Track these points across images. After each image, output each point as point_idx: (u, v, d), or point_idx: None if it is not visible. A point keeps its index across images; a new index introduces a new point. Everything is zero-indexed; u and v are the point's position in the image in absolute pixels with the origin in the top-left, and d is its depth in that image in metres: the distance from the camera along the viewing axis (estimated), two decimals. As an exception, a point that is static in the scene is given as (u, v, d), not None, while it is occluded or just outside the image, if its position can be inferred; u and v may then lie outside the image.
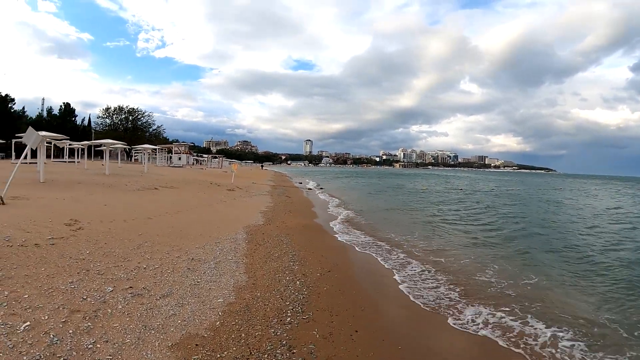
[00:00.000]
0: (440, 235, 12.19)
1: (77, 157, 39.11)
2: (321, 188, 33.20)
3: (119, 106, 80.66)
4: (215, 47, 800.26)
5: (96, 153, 53.30)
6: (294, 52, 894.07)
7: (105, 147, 27.13)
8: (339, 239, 10.67)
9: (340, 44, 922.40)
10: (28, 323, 4.13)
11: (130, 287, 5.40)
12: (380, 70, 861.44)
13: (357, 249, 9.72)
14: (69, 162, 42.39)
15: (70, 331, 4.07)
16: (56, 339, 3.88)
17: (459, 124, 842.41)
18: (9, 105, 63.14)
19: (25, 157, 14.62)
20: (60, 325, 4.15)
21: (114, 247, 7.34)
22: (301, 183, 42.04)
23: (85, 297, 4.87)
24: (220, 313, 4.89)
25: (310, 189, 32.76)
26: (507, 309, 5.96)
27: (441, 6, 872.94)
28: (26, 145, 13.21)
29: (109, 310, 4.63)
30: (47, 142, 41.81)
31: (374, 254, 9.20)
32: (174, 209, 13.07)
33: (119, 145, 33.90)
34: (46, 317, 4.28)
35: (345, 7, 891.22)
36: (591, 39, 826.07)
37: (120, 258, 6.73)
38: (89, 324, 4.26)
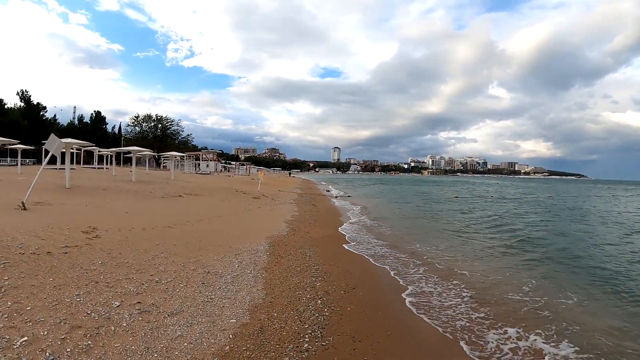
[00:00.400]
0: (469, 246, 11.51)
1: (106, 164, 40.18)
2: (348, 196, 32.74)
3: (148, 114, 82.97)
4: (243, 55, 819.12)
5: (125, 160, 54.80)
6: (321, 60, 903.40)
7: (132, 154, 27.60)
8: (366, 252, 10.19)
9: (366, 50, 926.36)
10: (26, 338, 3.94)
11: (139, 302, 5.16)
12: (408, 77, 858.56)
13: (384, 263, 9.23)
14: (97, 168, 43.70)
15: (68, 349, 3.85)
16: (52, 358, 3.66)
17: (487, 130, 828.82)
18: (41, 113, 66.02)
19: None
20: (59, 343, 3.95)
21: (128, 258, 7.18)
22: (328, 191, 41.73)
23: (89, 312, 4.66)
24: (231, 336, 4.55)
25: (337, 196, 32.34)
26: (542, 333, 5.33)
27: (466, 10, 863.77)
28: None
29: (112, 327, 4.38)
30: (76, 149, 43.39)
31: (402, 269, 8.69)
32: (196, 217, 12.96)
33: (147, 152, 34.64)
34: (45, 333, 4.09)
35: (371, 14, 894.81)
36: (620, 39, 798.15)
37: (133, 269, 6.54)
38: (89, 342, 4.03)
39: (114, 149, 30.01)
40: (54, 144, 13.31)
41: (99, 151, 41.88)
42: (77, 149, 36.95)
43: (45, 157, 14.31)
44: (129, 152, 48.20)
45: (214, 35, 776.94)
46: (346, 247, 10.51)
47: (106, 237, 8.53)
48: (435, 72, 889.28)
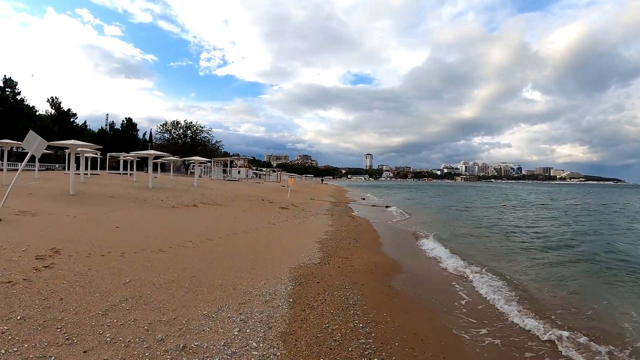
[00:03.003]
0: (556, 273, 8.21)
1: (129, 170, 38.58)
2: (387, 206, 29.34)
3: (176, 121, 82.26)
4: (275, 64, 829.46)
5: (154, 166, 53.48)
6: (353, 67, 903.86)
7: (149, 159, 25.46)
8: (434, 296, 7.02)
9: (398, 56, 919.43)
10: None
11: None
12: (441, 82, 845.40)
13: (472, 316, 6.10)
14: (122, 174, 42.32)
15: None
16: None
17: (522, 135, 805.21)
18: (71, 119, 66.27)
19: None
20: None
21: (67, 309, 4.70)
22: (364, 199, 38.36)
23: None
24: None
25: (375, 205, 29.00)
26: None
27: (498, 12, 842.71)
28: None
29: None
30: (99, 154, 42.16)
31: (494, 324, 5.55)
32: (204, 234, 10.23)
33: (171, 157, 32.68)
34: None
35: (402, 20, 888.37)
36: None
37: (61, 335, 3.85)
38: None
39: (134, 153, 28.06)
40: (33, 143, 10.90)
41: (123, 157, 40.40)
42: (93, 153, 35.33)
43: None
44: (157, 158, 46.98)
45: (246, 44, 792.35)
46: (404, 283, 7.36)
47: (61, 268, 6.12)
48: (469, 76, 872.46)
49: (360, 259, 8.85)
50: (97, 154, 39.20)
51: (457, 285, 7.61)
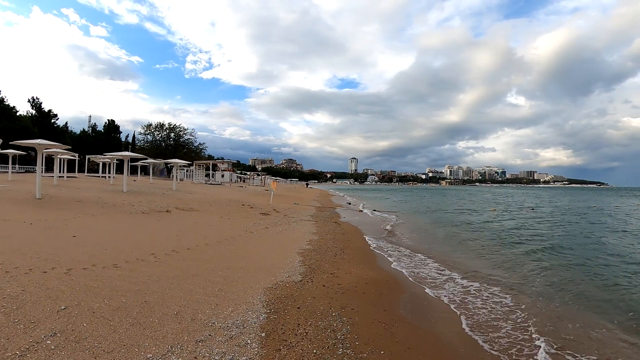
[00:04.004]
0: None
1: (108, 172, 36.82)
2: (374, 210, 28.24)
3: (160, 123, 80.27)
4: (261, 67, 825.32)
5: (136, 169, 51.59)
6: (339, 71, 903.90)
7: (124, 161, 23.94)
8: (441, 325, 5.87)
9: (385, 61, 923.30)
10: None
11: None
12: (427, 86, 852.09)
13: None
14: (101, 177, 40.49)
15: None
16: None
17: (506, 139, 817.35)
18: (52, 120, 63.89)
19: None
20: None
21: None
22: (350, 203, 37.09)
23: None
24: None
25: (362, 210, 27.84)
26: None
27: (484, 17, 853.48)
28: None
29: None
30: (77, 156, 40.25)
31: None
32: (171, 245, 8.98)
33: (150, 160, 31.06)
34: None
35: (389, 24, 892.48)
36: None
37: None
38: None
39: (110, 155, 26.45)
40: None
41: (100, 159, 38.57)
42: (70, 155, 33.52)
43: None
44: (135, 160, 45.18)
45: (233, 47, 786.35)
46: (407, 309, 6.11)
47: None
48: (455, 80, 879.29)
49: (349, 275, 7.66)
50: (74, 156, 37.38)
51: (467, 306, 6.52)
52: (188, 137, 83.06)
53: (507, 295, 7.08)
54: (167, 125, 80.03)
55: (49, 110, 64.24)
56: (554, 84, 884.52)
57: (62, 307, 4.85)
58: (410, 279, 8.09)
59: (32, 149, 28.81)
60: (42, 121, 61.63)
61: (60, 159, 34.33)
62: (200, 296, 5.59)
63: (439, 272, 8.81)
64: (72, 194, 17.64)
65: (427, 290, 7.30)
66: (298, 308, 5.43)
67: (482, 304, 6.59)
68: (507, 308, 6.42)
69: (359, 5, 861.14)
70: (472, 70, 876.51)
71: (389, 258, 10.15)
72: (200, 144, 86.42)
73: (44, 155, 33.44)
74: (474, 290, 7.39)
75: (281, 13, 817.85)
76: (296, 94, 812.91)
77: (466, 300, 6.75)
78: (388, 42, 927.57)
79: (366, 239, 13.26)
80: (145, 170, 55.48)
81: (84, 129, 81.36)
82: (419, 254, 10.87)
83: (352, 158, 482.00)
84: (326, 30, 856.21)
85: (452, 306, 6.40)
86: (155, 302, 5.24)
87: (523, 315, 6.12)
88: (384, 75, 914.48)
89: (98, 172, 48.75)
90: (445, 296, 6.93)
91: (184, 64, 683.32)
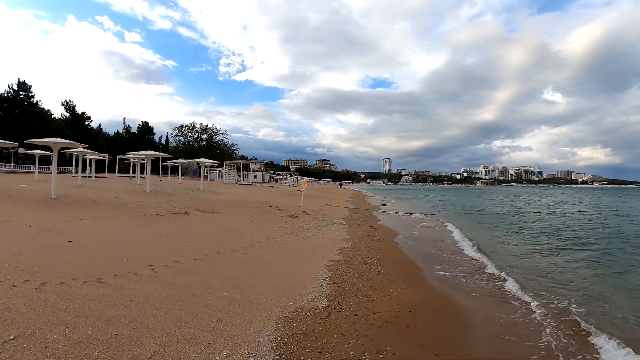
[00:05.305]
0: None
1: (139, 172, 36.70)
2: (410, 213, 26.32)
3: (192, 124, 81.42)
4: (293, 68, 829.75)
5: (173, 169, 51.67)
6: (372, 70, 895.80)
7: (146, 160, 23.29)
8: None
9: (417, 59, 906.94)
10: None
11: None
12: (460, 84, 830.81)
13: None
14: (131, 177, 40.52)
15: None
16: None
17: (542, 137, 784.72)
18: (86, 122, 65.57)
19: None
20: None
21: None
22: (385, 204, 35.19)
23: None
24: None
25: (398, 212, 25.99)
26: None
27: (517, 12, 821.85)
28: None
29: None
30: (107, 157, 40.48)
31: None
32: (176, 254, 7.77)
33: (180, 161, 30.57)
34: None
35: (420, 21, 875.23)
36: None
37: None
38: None
39: (133, 154, 26.09)
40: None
41: (130, 159, 38.59)
42: (100, 156, 33.46)
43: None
44: (166, 160, 45.12)
45: (265, 49, 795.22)
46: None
47: None
48: (488, 78, 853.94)
49: (388, 298, 6.12)
50: (103, 157, 37.53)
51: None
52: (220, 137, 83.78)
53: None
54: (198, 127, 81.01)
55: (83, 113, 66.13)
56: (589, 79, 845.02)
57: (11, 337, 3.78)
58: (469, 305, 6.40)
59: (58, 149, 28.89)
60: (75, 123, 63.33)
61: (89, 160, 34.50)
62: (190, 329, 4.27)
63: (512, 297, 7.07)
64: (90, 195, 17.00)
65: (500, 319, 5.71)
66: (319, 353, 3.97)
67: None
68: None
69: (389, 3, 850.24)
70: (506, 67, 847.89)
71: (435, 273, 8.52)
72: (232, 144, 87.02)
73: (74, 156, 33.75)
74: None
75: (310, 14, 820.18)
76: (329, 95, 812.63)
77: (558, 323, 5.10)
78: (420, 40, 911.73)
79: (405, 247, 11.66)
80: (177, 170, 55.69)
81: (117, 131, 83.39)
82: (478, 267, 9.19)
83: (386, 158, 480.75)
84: (357, 30, 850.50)
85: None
86: (128, 336, 3.97)
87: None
88: (417, 74, 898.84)
89: (129, 173, 49.18)
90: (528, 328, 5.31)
91: (217, 66, 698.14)
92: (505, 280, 7.97)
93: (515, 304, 6.48)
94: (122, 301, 4.91)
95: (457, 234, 14.95)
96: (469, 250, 11.43)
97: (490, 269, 9.01)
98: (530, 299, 6.65)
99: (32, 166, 41.52)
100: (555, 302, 6.60)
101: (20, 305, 4.52)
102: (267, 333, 4.35)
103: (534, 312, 6.06)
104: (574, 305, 6.41)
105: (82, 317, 4.33)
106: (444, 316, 5.66)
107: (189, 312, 4.77)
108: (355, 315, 5.20)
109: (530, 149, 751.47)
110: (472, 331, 5.22)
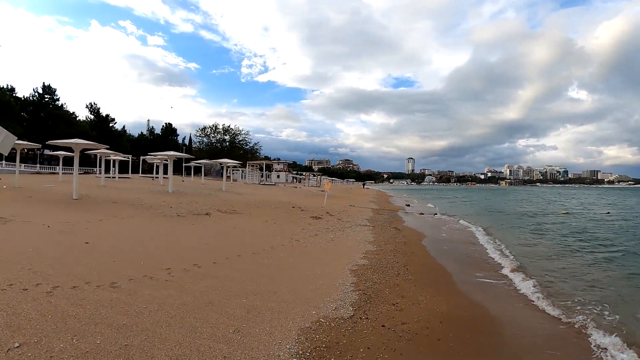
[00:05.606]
0: None
1: (161, 173, 37.15)
2: (435, 214, 25.59)
3: (215, 125, 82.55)
4: (315, 69, 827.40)
5: (197, 170, 52.24)
6: (394, 70, 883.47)
7: (168, 161, 23.38)
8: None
9: (439, 58, 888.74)
10: None
11: None
12: (483, 82, 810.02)
13: None
14: (154, 177, 41.07)
15: None
16: None
17: (568, 136, 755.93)
18: (110, 124, 67.25)
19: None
20: None
21: None
22: (409, 205, 34.40)
23: None
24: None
25: (423, 213, 25.27)
26: None
27: (539, 8, 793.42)
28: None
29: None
30: (131, 158, 41.14)
31: None
32: (195, 257, 7.54)
33: (204, 161, 30.68)
34: None
35: (441, 20, 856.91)
36: None
37: None
38: None
39: (153, 154, 26.34)
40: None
41: (149, 159, 39.17)
42: (123, 157, 33.96)
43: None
44: (189, 161, 45.60)
45: (286, 50, 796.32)
46: None
47: None
48: (512, 76, 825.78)
49: (417, 306, 5.70)
50: (127, 157, 38.16)
51: None
52: (243, 138, 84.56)
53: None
54: (221, 127, 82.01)
55: (107, 115, 68.11)
56: (615, 75, 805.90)
57: (16, 345, 3.59)
58: (503, 314, 5.91)
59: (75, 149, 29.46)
60: (99, 125, 65.21)
61: (112, 160, 35.09)
62: (205, 340, 3.98)
63: (550, 305, 6.54)
64: (112, 195, 17.10)
65: (538, 331, 5.23)
66: (344, 367, 3.63)
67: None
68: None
69: (410, 3, 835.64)
70: (529, 64, 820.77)
71: (465, 279, 8.03)
72: (255, 144, 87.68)
73: (98, 157, 34.40)
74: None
75: (331, 14, 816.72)
76: (351, 95, 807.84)
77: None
78: (441, 38, 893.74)
79: (432, 250, 11.15)
80: (200, 171, 56.35)
81: (141, 132, 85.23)
82: (509, 273, 8.64)
83: (409, 158, 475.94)
84: (378, 29, 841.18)
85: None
86: (138, 347, 3.71)
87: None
88: (439, 72, 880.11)
89: (152, 173, 49.98)
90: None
91: (239, 68, 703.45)
92: (538, 286, 7.42)
93: (553, 313, 5.96)
94: (135, 308, 4.67)
95: (484, 237, 14.26)
96: (499, 255, 10.79)
97: (522, 274, 8.45)
98: (570, 309, 6.12)
99: (57, 167, 42.53)
100: (597, 310, 6.06)
101: (29, 310, 4.33)
102: (288, 346, 4.01)
103: (576, 322, 5.54)
104: (617, 317, 5.85)
105: (91, 325, 4.10)
106: (477, 327, 5.21)
107: (204, 320, 4.48)
108: (383, 326, 4.81)
109: (556, 148, 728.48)
110: (509, 344, 4.77)
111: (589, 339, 5.04)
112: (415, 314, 5.40)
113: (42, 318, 4.16)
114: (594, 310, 6.11)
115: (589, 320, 5.61)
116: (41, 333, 3.82)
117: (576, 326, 5.44)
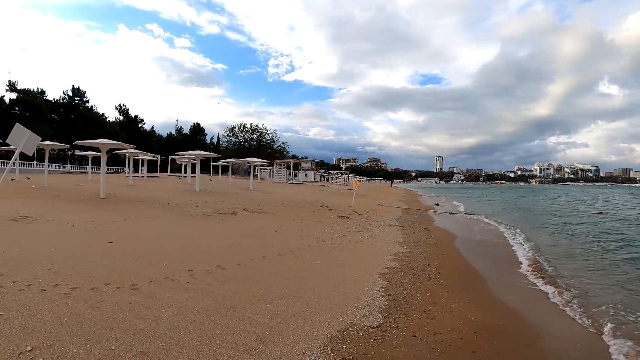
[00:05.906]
0: None
1: (188, 172, 37.68)
2: (466, 214, 24.86)
3: (242, 124, 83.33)
4: (342, 67, 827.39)
5: (225, 169, 52.81)
6: (421, 67, 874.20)
7: (196, 160, 23.54)
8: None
9: (466, 53, 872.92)
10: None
11: None
12: (512, 78, 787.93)
13: None
14: (182, 176, 41.69)
15: None
16: None
17: (599, 133, 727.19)
18: (139, 125, 68.86)
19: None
20: None
21: None
22: (439, 204, 33.65)
23: None
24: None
25: (453, 213, 24.57)
26: None
27: (567, 0, 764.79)
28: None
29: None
30: (160, 157, 41.86)
31: None
32: (220, 257, 7.39)
33: (232, 160, 30.89)
34: None
35: (468, 15, 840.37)
36: None
37: None
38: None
39: (181, 154, 26.73)
40: (21, 138, 8.71)
41: (178, 159, 39.82)
42: (151, 157, 34.55)
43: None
44: (217, 160, 46.07)
45: (312, 49, 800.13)
46: None
47: None
48: (541, 70, 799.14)
49: (450, 314, 5.32)
50: (155, 157, 38.86)
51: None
52: (270, 136, 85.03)
53: None
54: (248, 127, 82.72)
55: (136, 116, 69.81)
56: None
57: (28, 349, 3.45)
58: (541, 324, 5.48)
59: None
60: (128, 126, 66.81)
61: (141, 160, 35.81)
62: (224, 348, 3.74)
63: (591, 316, 6.04)
64: (139, 194, 17.29)
65: (578, 343, 4.77)
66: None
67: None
68: None
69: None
70: (559, 58, 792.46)
71: (500, 284, 7.57)
72: (283, 143, 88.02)
73: (127, 157, 35.14)
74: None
75: (356, 12, 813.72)
76: (378, 92, 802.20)
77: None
78: (469, 33, 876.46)
79: (465, 252, 10.66)
80: (227, 170, 56.90)
81: (170, 132, 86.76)
82: (544, 278, 8.10)
83: (437, 156, 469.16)
84: (404, 26, 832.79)
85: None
86: (154, 354, 3.51)
87: None
88: (467, 68, 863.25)
89: (180, 172, 50.80)
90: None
91: (266, 68, 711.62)
92: (577, 294, 6.91)
93: (595, 325, 5.48)
94: (153, 311, 4.49)
95: (517, 239, 13.66)
96: (533, 258, 10.19)
97: (558, 279, 7.94)
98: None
99: (87, 167, 43.81)
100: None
101: (45, 312, 4.22)
102: (312, 357, 3.73)
103: (618, 335, 5.07)
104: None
105: (107, 329, 3.94)
106: (514, 338, 4.82)
107: (225, 327, 4.25)
108: (414, 336, 4.46)
109: (587, 145, 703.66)
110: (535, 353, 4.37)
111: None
112: (448, 322, 5.02)
113: (57, 321, 4.03)
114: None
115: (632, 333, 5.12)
116: (55, 337, 3.69)
117: (617, 340, 4.96)
